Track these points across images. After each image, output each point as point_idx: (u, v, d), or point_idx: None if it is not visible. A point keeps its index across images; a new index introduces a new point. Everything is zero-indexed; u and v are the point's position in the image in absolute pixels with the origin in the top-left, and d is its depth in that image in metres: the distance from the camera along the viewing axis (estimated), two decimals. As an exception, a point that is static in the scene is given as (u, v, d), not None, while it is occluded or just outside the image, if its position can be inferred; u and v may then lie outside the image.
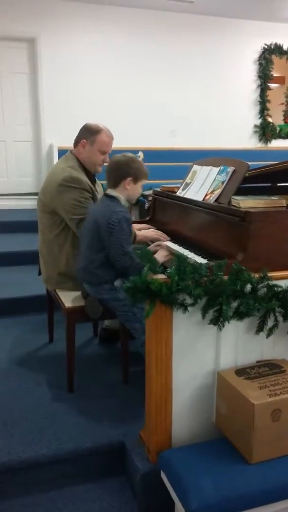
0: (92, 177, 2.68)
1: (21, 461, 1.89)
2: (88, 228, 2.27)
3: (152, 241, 2.63)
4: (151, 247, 2.45)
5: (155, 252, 2.38)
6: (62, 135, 5.87)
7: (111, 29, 6.41)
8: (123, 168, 2.23)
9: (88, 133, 2.60)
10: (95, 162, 2.63)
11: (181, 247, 2.42)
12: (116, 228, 2.13)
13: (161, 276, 1.70)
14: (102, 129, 2.61)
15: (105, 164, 2.66)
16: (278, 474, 1.60)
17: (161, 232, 2.66)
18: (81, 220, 2.46)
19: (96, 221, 2.20)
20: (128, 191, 2.27)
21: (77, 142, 2.64)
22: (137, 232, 2.62)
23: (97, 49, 6.39)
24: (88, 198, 2.52)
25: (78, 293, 2.52)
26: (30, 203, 5.85)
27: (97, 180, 2.78)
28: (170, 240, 2.59)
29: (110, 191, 2.28)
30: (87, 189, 2.52)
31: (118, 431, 2.05)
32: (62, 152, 5.37)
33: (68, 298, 2.46)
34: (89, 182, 2.58)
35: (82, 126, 2.66)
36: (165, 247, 2.42)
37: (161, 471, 1.73)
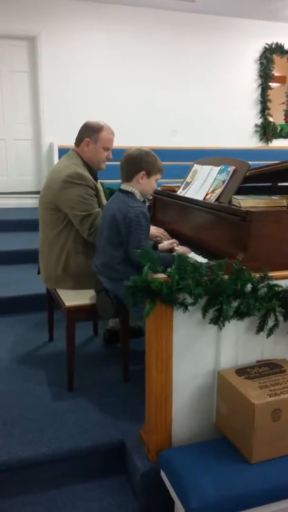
0: (94, 175, 2.68)
1: (21, 460, 1.89)
2: (106, 222, 2.23)
3: (153, 239, 2.63)
4: (166, 244, 2.42)
5: (171, 249, 2.36)
6: (62, 134, 5.87)
7: (111, 27, 6.40)
8: (137, 161, 2.20)
9: (91, 131, 2.60)
10: (99, 160, 2.64)
11: (182, 246, 2.42)
12: (134, 224, 2.12)
13: (161, 275, 1.69)
14: (103, 126, 2.62)
15: (108, 160, 2.67)
16: (278, 473, 1.60)
17: (163, 230, 2.65)
18: (85, 217, 2.46)
19: (114, 215, 2.17)
20: (141, 185, 2.23)
21: (79, 141, 2.63)
22: None
23: (97, 48, 6.38)
24: (92, 195, 2.52)
25: (79, 291, 2.52)
26: (30, 202, 5.86)
27: (98, 179, 2.77)
28: (169, 239, 2.58)
29: (124, 186, 2.24)
30: (91, 186, 2.53)
31: (118, 430, 2.05)
32: (62, 151, 5.39)
33: (68, 297, 2.46)
34: (93, 180, 2.59)
35: (82, 124, 2.66)
36: (183, 248, 2.39)
37: (161, 470, 1.73)
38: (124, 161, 2.24)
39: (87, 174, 2.56)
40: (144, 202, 2.31)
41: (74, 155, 2.64)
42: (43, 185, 2.68)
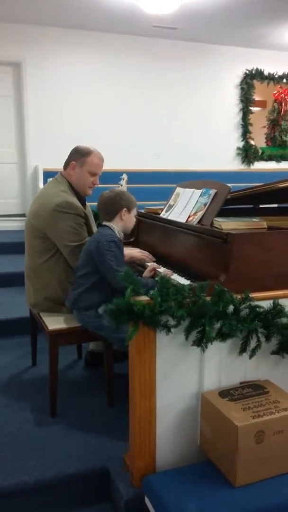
0: (82, 199, 2.66)
1: (1, 488, 1.84)
2: (83, 256, 2.35)
3: (137, 261, 2.64)
4: (146, 272, 2.43)
5: (153, 275, 2.39)
6: (47, 157, 5.93)
7: (96, 54, 6.53)
8: (116, 200, 2.34)
9: (78, 155, 2.60)
10: (84, 184, 2.62)
11: (164, 268, 2.43)
12: (105, 249, 2.21)
13: (143, 298, 1.70)
14: (92, 151, 2.62)
15: (95, 186, 2.67)
16: (262, 497, 1.58)
17: (148, 253, 2.67)
18: (75, 248, 2.44)
19: (88, 246, 2.31)
20: (124, 222, 2.37)
21: (66, 163, 2.63)
22: (125, 253, 2.62)
23: (82, 74, 6.49)
24: (82, 224, 2.51)
25: (61, 315, 2.50)
26: (15, 225, 5.85)
27: (86, 203, 2.76)
28: (154, 261, 2.60)
29: (105, 222, 2.36)
30: (81, 215, 2.50)
31: (102, 456, 2.01)
32: (47, 174, 5.43)
33: (51, 321, 2.44)
34: (82, 207, 2.56)
35: (72, 148, 2.67)
36: (163, 270, 2.42)
37: (145, 497, 1.71)
38: (102, 204, 2.37)
39: (76, 202, 2.53)
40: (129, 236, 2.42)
41: (61, 180, 2.62)
42: (30, 209, 2.64)
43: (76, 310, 2.36)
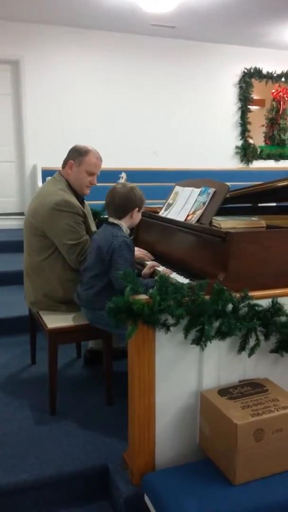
0: (80, 198, 2.66)
1: (1, 487, 1.84)
2: (92, 254, 2.31)
3: (135, 260, 2.64)
4: (146, 269, 2.44)
5: (152, 273, 2.39)
6: (46, 156, 5.93)
7: (95, 52, 6.52)
8: (132, 200, 2.29)
9: (76, 154, 2.59)
10: (82, 184, 2.61)
11: (163, 267, 2.44)
12: (116, 252, 2.18)
13: (143, 297, 1.70)
14: (91, 150, 2.61)
15: (93, 185, 2.66)
16: (261, 495, 1.59)
17: (146, 252, 2.67)
18: (73, 246, 2.44)
19: (99, 246, 2.24)
20: (133, 219, 2.35)
21: (65, 162, 2.63)
22: None
23: (80, 72, 6.48)
24: (81, 223, 2.51)
25: (61, 314, 2.50)
26: (13, 223, 5.84)
27: (85, 201, 2.76)
28: (153, 260, 2.60)
29: (112, 219, 2.32)
30: (79, 213, 2.51)
31: (101, 454, 2.02)
32: (45, 173, 5.43)
33: (50, 319, 2.44)
34: (80, 205, 2.56)
35: (71, 147, 2.66)
36: (162, 269, 2.42)
37: (145, 495, 1.71)
38: (116, 200, 2.28)
39: (74, 200, 2.53)
40: (130, 234, 2.38)
41: (60, 179, 2.62)
42: (29, 208, 2.65)
43: (88, 310, 2.33)
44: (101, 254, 2.22)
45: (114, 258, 2.17)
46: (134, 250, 2.32)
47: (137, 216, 2.37)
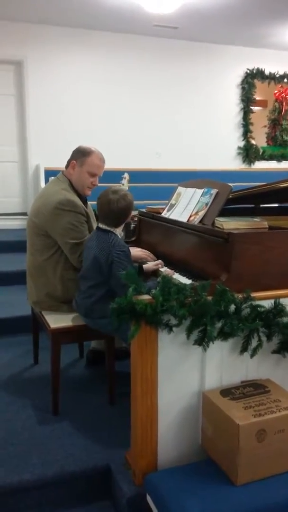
0: (83, 198, 2.67)
1: (3, 486, 1.85)
2: (89, 264, 2.30)
3: (138, 260, 2.65)
4: (151, 265, 2.44)
5: (154, 273, 2.40)
6: (49, 156, 5.94)
7: (97, 53, 6.53)
8: (126, 211, 2.29)
9: (79, 154, 2.61)
10: (83, 184, 2.61)
11: (166, 267, 2.44)
12: (115, 263, 2.18)
13: (146, 297, 1.71)
14: (94, 151, 2.62)
15: (95, 186, 2.66)
16: (263, 495, 1.59)
17: (149, 252, 2.68)
18: (75, 245, 2.45)
19: (96, 257, 2.24)
20: (122, 225, 2.36)
21: (68, 162, 2.64)
22: None
23: (83, 73, 6.49)
24: (83, 222, 2.52)
25: (63, 314, 2.51)
26: (16, 223, 5.86)
27: (87, 202, 2.76)
28: (155, 260, 2.61)
29: (104, 226, 2.30)
30: (82, 213, 2.52)
31: (104, 454, 2.02)
32: (48, 173, 5.44)
33: (53, 319, 2.45)
34: (83, 205, 2.57)
35: (75, 148, 2.67)
36: (164, 270, 2.43)
37: (147, 495, 1.72)
38: (112, 212, 2.25)
39: (77, 200, 2.54)
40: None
41: (63, 179, 2.64)
42: (32, 208, 2.66)
43: (88, 318, 2.34)
44: (99, 265, 2.22)
45: (114, 270, 2.18)
46: (130, 254, 2.32)
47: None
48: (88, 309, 2.31)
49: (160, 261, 2.50)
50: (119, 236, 2.31)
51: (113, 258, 2.18)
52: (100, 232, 2.31)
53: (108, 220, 2.29)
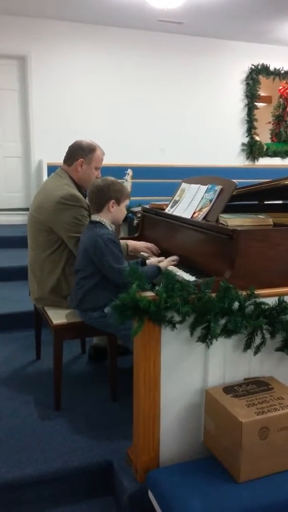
0: (83, 193, 2.67)
1: (6, 481, 1.85)
2: (80, 257, 2.31)
3: (140, 252, 2.65)
4: (167, 261, 2.41)
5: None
6: (52, 151, 5.92)
7: (101, 48, 6.51)
8: (105, 191, 2.26)
9: (85, 152, 2.60)
10: (91, 180, 2.61)
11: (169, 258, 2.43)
12: (104, 251, 2.17)
13: (149, 294, 1.70)
14: (96, 146, 2.63)
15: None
16: (265, 493, 1.59)
17: (152, 244, 2.68)
18: (79, 239, 2.46)
19: (85, 249, 2.24)
20: (113, 213, 2.30)
21: (71, 160, 2.62)
22: (129, 243, 2.66)
23: (87, 68, 6.47)
24: (86, 216, 2.51)
25: (66, 310, 2.51)
26: (19, 219, 5.86)
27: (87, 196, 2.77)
28: (159, 253, 2.60)
29: (94, 217, 2.30)
30: (85, 207, 2.51)
31: (106, 450, 2.02)
32: (51, 168, 5.43)
33: (56, 315, 2.45)
34: (85, 200, 2.57)
35: (73, 143, 2.65)
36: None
37: (149, 491, 1.72)
38: (92, 193, 2.29)
39: (79, 194, 2.55)
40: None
41: (63, 175, 2.63)
42: (33, 203, 2.65)
43: (81, 311, 2.34)
44: (89, 255, 2.22)
45: (104, 258, 2.17)
46: (119, 243, 2.31)
47: (117, 210, 2.30)
48: (80, 300, 2.31)
49: (163, 258, 2.48)
50: (110, 228, 2.28)
51: (100, 246, 2.17)
52: (90, 224, 2.32)
53: (93, 206, 2.30)
